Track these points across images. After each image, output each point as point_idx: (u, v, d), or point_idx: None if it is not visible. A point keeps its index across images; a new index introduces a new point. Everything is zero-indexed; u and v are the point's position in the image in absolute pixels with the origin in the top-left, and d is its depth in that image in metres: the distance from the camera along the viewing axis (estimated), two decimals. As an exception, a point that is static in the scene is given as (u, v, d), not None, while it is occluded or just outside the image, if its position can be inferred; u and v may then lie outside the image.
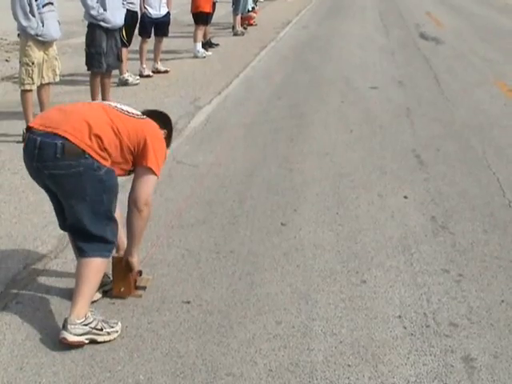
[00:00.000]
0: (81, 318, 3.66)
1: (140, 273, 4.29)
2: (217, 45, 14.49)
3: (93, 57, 8.31)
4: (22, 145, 6.77)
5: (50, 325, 3.88)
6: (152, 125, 4.03)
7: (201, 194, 5.96)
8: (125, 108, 3.97)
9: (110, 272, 4.19)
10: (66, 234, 4.79)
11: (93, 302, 3.98)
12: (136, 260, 4.10)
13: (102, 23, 8.18)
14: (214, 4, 13.97)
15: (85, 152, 3.58)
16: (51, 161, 3.58)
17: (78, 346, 3.64)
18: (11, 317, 3.95)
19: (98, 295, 4.10)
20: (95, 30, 8.28)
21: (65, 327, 3.63)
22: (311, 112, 9.03)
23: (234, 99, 9.71)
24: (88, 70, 8.56)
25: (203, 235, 5.11)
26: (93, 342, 3.68)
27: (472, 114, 9.03)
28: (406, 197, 5.97)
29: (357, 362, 3.63)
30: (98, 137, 3.62)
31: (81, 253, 3.78)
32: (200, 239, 5.04)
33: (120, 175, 3.90)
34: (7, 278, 4.39)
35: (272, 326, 3.94)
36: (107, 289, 4.19)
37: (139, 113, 4.05)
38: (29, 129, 3.74)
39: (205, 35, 13.92)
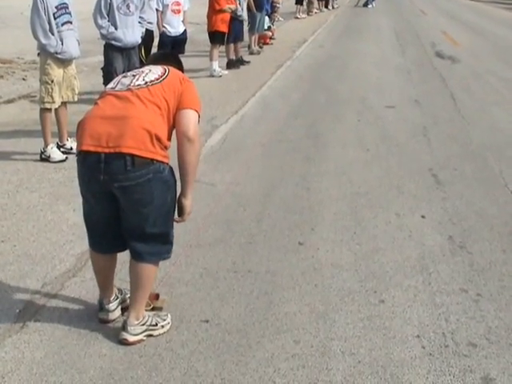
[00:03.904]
0: (139, 319, 3.91)
1: (157, 296, 4.29)
2: (248, 62, 14.65)
3: (106, 75, 8.38)
4: (39, 163, 7.00)
5: (68, 343, 3.89)
6: (175, 74, 3.93)
7: (219, 213, 5.97)
8: (148, 78, 3.80)
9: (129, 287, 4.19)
10: (83, 252, 4.85)
11: (112, 321, 4.05)
12: (189, 202, 3.92)
13: (114, 42, 8.24)
14: (242, 22, 14.18)
15: (153, 160, 3.57)
16: (122, 174, 3.52)
17: (138, 343, 3.88)
18: (30, 335, 3.96)
19: (117, 314, 4.10)
20: (108, 48, 8.36)
21: (125, 329, 3.88)
22: (328, 131, 9.05)
23: (250, 118, 9.74)
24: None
25: (221, 254, 5.12)
26: (149, 336, 3.94)
27: (489, 133, 9.03)
28: (423, 216, 5.95)
29: (375, 382, 3.61)
30: (158, 138, 3.57)
31: (137, 257, 3.81)
32: (218, 258, 5.05)
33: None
34: (26, 296, 4.40)
35: (290, 345, 3.93)
36: (125, 306, 4.15)
37: (160, 71, 3.89)
38: (82, 152, 3.61)
39: (236, 53, 14.28)
